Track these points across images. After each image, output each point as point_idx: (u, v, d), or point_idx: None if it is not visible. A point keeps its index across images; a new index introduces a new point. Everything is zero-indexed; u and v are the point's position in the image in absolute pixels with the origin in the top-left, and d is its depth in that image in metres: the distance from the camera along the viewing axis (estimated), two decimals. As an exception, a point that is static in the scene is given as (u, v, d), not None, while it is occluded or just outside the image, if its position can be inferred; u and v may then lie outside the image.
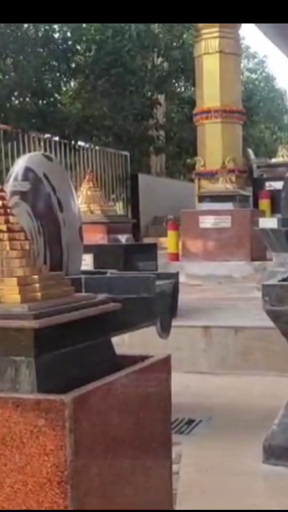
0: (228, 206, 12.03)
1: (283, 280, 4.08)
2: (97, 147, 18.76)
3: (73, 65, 19.58)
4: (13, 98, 18.86)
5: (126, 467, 2.21)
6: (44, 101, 19.01)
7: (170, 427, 2.58)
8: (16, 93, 18.63)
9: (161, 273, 4.99)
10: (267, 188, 14.95)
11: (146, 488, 2.34)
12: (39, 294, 2.09)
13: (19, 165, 4.33)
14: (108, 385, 2.10)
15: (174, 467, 3.23)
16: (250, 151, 16.99)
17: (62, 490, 1.87)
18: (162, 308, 3.92)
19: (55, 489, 1.87)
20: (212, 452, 4.02)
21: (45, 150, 15.70)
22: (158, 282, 3.87)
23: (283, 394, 3.99)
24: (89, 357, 2.23)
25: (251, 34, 59.48)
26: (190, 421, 4.57)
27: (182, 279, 8.83)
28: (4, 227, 2.14)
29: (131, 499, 2.22)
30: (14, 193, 4.08)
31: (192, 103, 17.93)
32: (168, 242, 12.71)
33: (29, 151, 13.79)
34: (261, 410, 4.63)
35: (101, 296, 2.43)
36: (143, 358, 2.42)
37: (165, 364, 2.47)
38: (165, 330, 4.07)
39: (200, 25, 13.07)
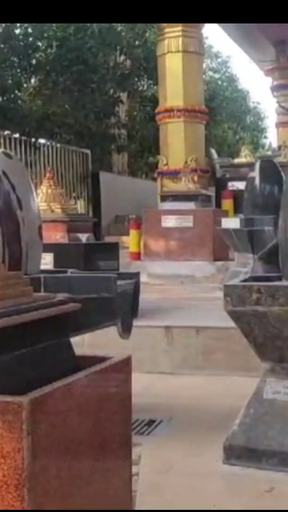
0: (191, 205, 12.03)
1: (245, 280, 4.07)
2: (58, 145, 18.67)
3: (34, 61, 19.47)
4: (-28, 94, 18.73)
5: (85, 469, 2.19)
6: (4, 98, 18.87)
7: (130, 428, 2.56)
8: (-25, 89, 18.49)
9: (122, 272, 4.97)
10: (230, 188, 14.98)
11: (105, 489, 2.32)
12: (-4, 294, 2.06)
13: (-22, 162, 4.27)
14: (67, 386, 2.07)
15: (134, 468, 3.21)
16: (213, 151, 17.02)
17: (20, 493, 1.84)
18: (123, 308, 3.89)
19: (12, 492, 1.84)
20: (172, 452, 4.00)
21: (5, 147, 15.59)
22: (119, 282, 3.84)
23: (244, 394, 3.98)
24: (48, 358, 2.20)
25: (215, 34, 59.76)
26: (150, 422, 4.54)
27: (143, 278, 8.82)
28: None
29: (90, 501, 2.20)
30: (-27, 191, 4.02)
31: (154, 101, 17.92)
32: (130, 241, 12.68)
33: (-10, 149, 13.66)
34: (222, 410, 4.62)
35: (60, 296, 2.40)
36: (103, 359, 2.39)
37: (125, 365, 2.45)
38: (126, 330, 4.04)
39: (163, 24, 13.03)
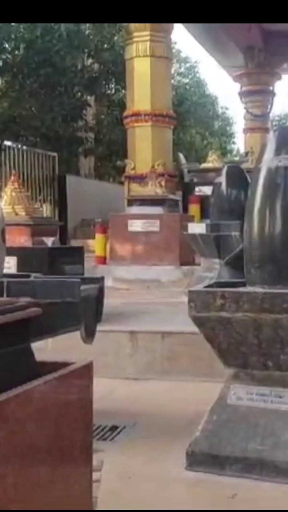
0: (158, 210, 12.03)
1: (209, 286, 4.07)
2: (24, 147, 18.55)
3: (1, 63, 19.32)
4: None
5: (44, 476, 2.16)
6: None
7: (91, 434, 2.54)
8: None
9: (86, 277, 4.93)
10: (197, 193, 15.00)
11: (65, 496, 2.30)
12: None
13: None
14: (26, 392, 2.05)
15: (96, 475, 3.18)
16: (181, 156, 17.04)
17: (-24, 502, 1.81)
18: (86, 313, 3.86)
19: None
20: (135, 459, 3.97)
21: None
22: (83, 287, 3.81)
23: (209, 399, 3.97)
24: (8, 364, 2.16)
25: (183, 39, 59.80)
26: (113, 428, 4.51)
27: (109, 283, 8.80)
28: None
29: (49, 508, 2.17)
30: None
31: (122, 105, 17.89)
32: (96, 245, 12.64)
33: None
34: (186, 416, 4.60)
35: (23, 301, 2.37)
36: (64, 364, 2.37)
37: (86, 370, 2.43)
38: (89, 335, 4.01)
39: (132, 28, 12.98)
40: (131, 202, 12.60)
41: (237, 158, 22.55)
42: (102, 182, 23.87)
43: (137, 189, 12.86)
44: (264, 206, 3.83)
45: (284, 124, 36.84)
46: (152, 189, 12.54)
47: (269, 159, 3.86)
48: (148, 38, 12.97)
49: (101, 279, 4.47)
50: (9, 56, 19.33)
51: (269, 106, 21.32)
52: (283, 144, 3.89)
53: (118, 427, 4.53)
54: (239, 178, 8.73)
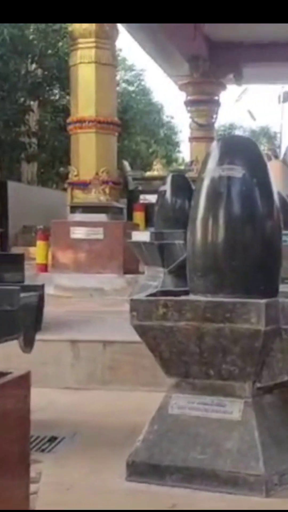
0: (101, 217, 11.96)
1: (152, 294, 4.04)
2: None
3: None
4: None
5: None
6: None
7: (28, 445, 2.50)
8: None
9: (26, 285, 4.84)
10: (142, 201, 14.99)
11: (1, 508, 2.24)
12: None
13: None
14: None
15: (33, 487, 3.12)
16: (126, 163, 17.02)
17: None
18: (25, 321, 3.79)
19: None
20: (74, 470, 3.91)
21: None
22: (22, 294, 3.74)
23: (150, 409, 3.94)
24: None
25: (129, 47, 59.91)
26: (52, 438, 4.43)
27: (50, 291, 8.70)
28: None
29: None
30: None
31: (66, 112, 17.81)
32: (37, 252, 12.51)
33: None
34: (127, 426, 4.56)
35: None
36: (0, 374, 2.31)
37: (24, 380, 2.38)
38: (28, 344, 3.94)
39: (76, 34, 12.89)
40: (74, 209, 12.51)
41: (182, 167, 22.63)
42: (44, 188, 23.74)
43: (81, 196, 12.78)
44: (207, 215, 3.82)
45: (228, 134, 37.12)
46: (96, 196, 12.47)
47: (212, 169, 3.85)
48: (93, 45, 12.92)
49: (41, 286, 4.40)
50: None
51: (214, 116, 21.44)
52: (226, 154, 3.89)
53: (57, 438, 4.46)
54: (184, 187, 8.72)
